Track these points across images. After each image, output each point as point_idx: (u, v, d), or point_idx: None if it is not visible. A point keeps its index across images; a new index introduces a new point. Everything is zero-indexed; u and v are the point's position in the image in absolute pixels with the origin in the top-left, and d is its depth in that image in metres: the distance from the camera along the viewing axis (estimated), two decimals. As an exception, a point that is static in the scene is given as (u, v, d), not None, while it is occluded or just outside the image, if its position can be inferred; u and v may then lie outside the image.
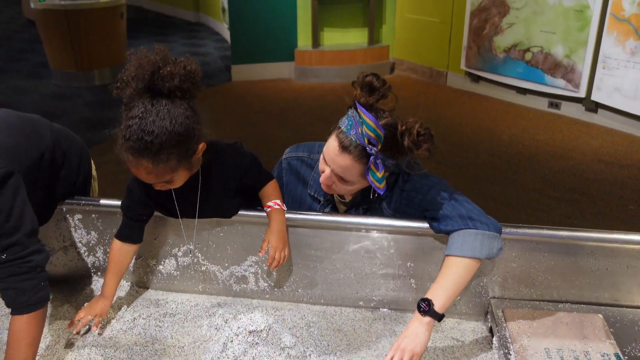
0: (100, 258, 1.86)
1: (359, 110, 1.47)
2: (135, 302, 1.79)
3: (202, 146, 1.50)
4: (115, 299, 1.76)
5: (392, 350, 1.44)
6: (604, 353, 1.49)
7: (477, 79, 6.54)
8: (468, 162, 4.73)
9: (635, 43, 4.98)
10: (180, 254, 1.80)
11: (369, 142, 1.47)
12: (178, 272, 1.83)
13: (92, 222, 1.83)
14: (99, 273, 1.89)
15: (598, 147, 5.01)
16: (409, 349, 1.43)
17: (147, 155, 1.38)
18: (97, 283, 1.87)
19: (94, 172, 2.06)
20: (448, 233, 1.59)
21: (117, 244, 1.70)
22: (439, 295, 1.50)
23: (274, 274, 1.78)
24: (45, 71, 7.09)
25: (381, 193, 1.54)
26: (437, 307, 1.48)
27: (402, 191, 1.68)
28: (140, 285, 1.87)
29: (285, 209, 1.71)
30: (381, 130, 1.45)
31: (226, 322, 1.67)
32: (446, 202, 1.60)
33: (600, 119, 5.48)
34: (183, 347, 1.58)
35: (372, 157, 1.49)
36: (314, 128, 5.31)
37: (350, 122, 1.51)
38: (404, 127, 1.48)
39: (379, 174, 1.50)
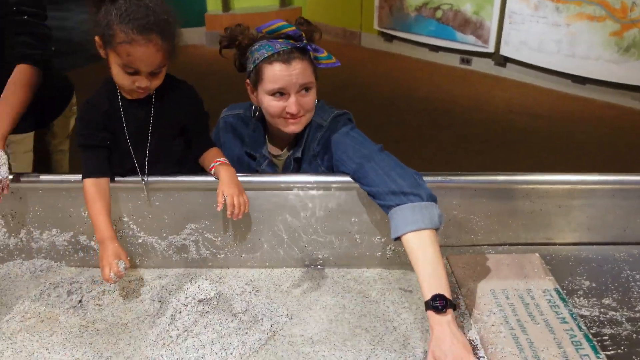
0: (24, 239, 1.72)
1: (262, 35, 1.62)
2: (68, 282, 1.66)
3: None
4: (44, 281, 1.65)
5: None
6: (545, 289, 1.56)
7: (390, 38, 6.61)
8: (387, 121, 4.80)
9: (539, -3, 5.19)
10: (113, 227, 1.69)
11: (297, 38, 1.59)
12: (112, 247, 1.72)
13: (10, 200, 1.67)
14: (23, 255, 1.74)
15: (509, 99, 5.23)
16: (463, 354, 1.26)
17: (156, 29, 1.41)
18: (21, 266, 1.72)
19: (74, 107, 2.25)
20: (385, 210, 1.54)
21: (89, 182, 1.56)
22: (437, 283, 1.36)
23: (217, 240, 1.71)
24: None
25: (339, 63, 1.64)
26: (448, 295, 1.35)
27: (334, 153, 1.66)
28: (72, 264, 1.75)
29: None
30: (288, 24, 1.58)
31: (170, 294, 1.59)
32: (376, 177, 1.53)
33: (509, 72, 5.72)
34: (127, 324, 1.50)
35: (308, 47, 1.59)
36: (234, 95, 5.16)
37: (268, 46, 1.59)
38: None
39: (324, 53, 1.62)
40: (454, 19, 5.88)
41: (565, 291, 1.56)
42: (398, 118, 4.87)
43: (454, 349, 1.26)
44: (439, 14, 5.97)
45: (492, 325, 1.43)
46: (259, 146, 1.76)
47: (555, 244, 1.78)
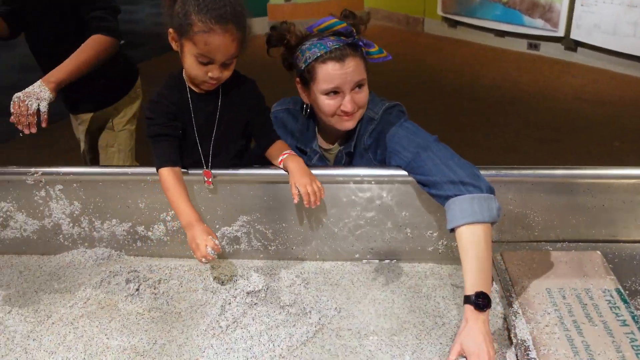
0: (87, 228, 1.80)
1: (313, 32, 1.59)
2: (127, 270, 1.73)
3: None
4: (105, 269, 1.72)
5: None
6: (605, 289, 1.49)
7: (454, 24, 6.45)
8: (451, 109, 4.70)
9: (614, -23, 4.92)
10: (169, 218, 1.74)
11: (349, 34, 1.56)
12: (168, 238, 1.78)
13: (74, 192, 1.76)
14: (85, 244, 1.83)
15: (579, 85, 5.00)
16: (491, 354, 1.29)
17: (233, 20, 1.45)
18: (84, 254, 1.81)
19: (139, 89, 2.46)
20: (441, 200, 1.51)
21: (165, 171, 1.57)
22: (483, 281, 1.36)
23: (269, 232, 1.73)
24: None
25: (390, 57, 1.62)
26: (489, 294, 1.36)
27: (387, 145, 1.62)
28: (130, 253, 1.82)
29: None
30: (340, 21, 1.56)
31: (221, 285, 1.63)
32: (434, 166, 1.50)
33: (579, 57, 5.46)
34: (180, 313, 1.55)
35: (359, 43, 1.57)
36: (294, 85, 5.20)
37: (320, 45, 1.56)
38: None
39: (375, 47, 1.59)
40: (521, 2, 5.65)
41: (627, 292, 1.48)
42: (463, 106, 4.76)
43: (483, 346, 1.28)
44: (505, -3, 5.76)
45: (546, 326, 1.38)
46: (309, 141, 1.76)
47: (619, 242, 1.69)
